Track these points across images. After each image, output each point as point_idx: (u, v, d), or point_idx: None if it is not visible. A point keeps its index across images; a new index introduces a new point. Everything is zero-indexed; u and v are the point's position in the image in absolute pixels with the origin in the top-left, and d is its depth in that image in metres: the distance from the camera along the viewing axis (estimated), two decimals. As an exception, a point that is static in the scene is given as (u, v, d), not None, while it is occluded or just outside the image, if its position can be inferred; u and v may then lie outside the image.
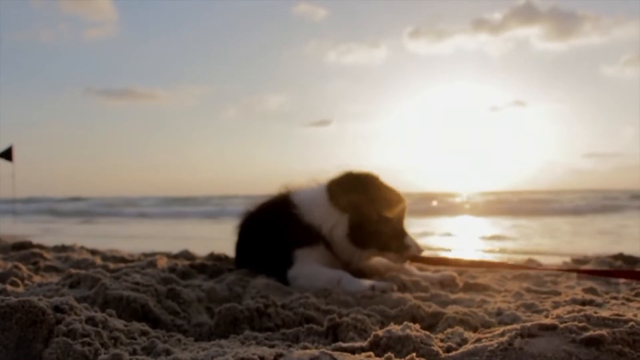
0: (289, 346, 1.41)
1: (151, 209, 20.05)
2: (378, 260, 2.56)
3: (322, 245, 2.40)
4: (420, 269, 2.71)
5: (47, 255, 3.06)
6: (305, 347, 1.37)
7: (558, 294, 2.14)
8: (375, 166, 2.50)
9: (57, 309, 1.34)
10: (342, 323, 1.49)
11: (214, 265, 2.74)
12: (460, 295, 2.13)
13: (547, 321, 1.18)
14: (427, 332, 1.28)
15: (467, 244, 6.70)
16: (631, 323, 1.13)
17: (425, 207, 16.23)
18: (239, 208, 2.93)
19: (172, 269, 2.47)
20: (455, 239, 7.56)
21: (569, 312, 1.33)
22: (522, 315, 1.69)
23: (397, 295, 2.03)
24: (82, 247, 3.80)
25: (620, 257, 3.22)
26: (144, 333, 1.45)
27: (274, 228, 2.51)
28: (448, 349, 1.24)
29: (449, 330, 1.44)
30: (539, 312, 1.77)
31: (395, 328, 1.27)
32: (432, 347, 1.19)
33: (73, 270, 2.11)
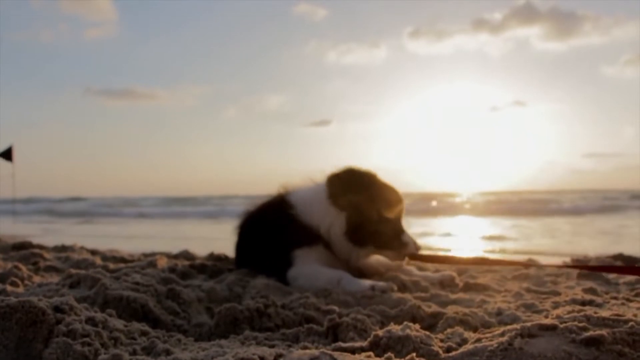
0: (289, 346, 1.41)
1: (151, 209, 20.05)
2: (378, 260, 2.56)
3: (321, 245, 2.40)
4: (420, 269, 2.71)
5: (47, 255, 3.06)
6: (305, 347, 1.37)
7: (558, 294, 2.14)
8: (375, 166, 2.51)
9: (57, 309, 1.34)
10: (342, 323, 1.49)
11: (214, 266, 2.74)
12: (460, 295, 2.13)
13: (547, 321, 1.18)
14: (427, 332, 1.28)
15: (467, 244, 6.70)
16: (631, 323, 1.13)
17: (425, 207, 16.24)
18: (239, 208, 2.93)
19: (172, 269, 2.47)
20: (455, 239, 7.56)
21: (569, 312, 1.33)
22: (522, 315, 1.69)
23: (397, 295, 2.03)
24: (82, 247, 3.80)
25: (620, 257, 3.22)
26: (144, 333, 1.45)
27: (272, 229, 2.51)
28: (448, 349, 1.24)
29: (449, 330, 1.44)
30: (539, 312, 1.77)
31: (395, 328, 1.27)
32: (432, 347, 1.19)
33: (73, 271, 2.11)
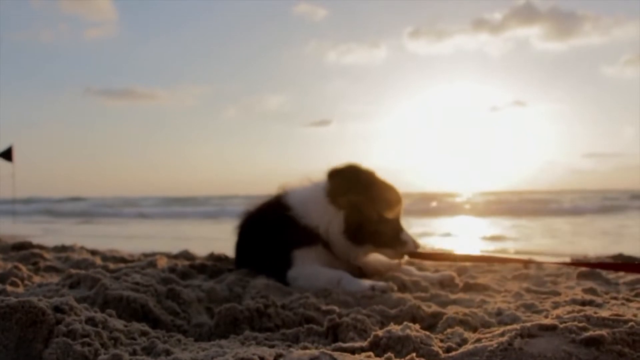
0: (289, 346, 1.41)
1: (151, 209, 20.05)
2: (377, 260, 2.56)
3: (321, 245, 2.40)
4: (420, 269, 2.71)
5: (47, 255, 3.06)
6: (305, 347, 1.37)
7: (558, 294, 2.14)
8: (375, 166, 2.50)
9: (57, 309, 1.34)
10: (342, 323, 1.48)
11: (214, 266, 2.74)
12: (460, 295, 2.13)
13: (547, 321, 1.18)
14: (427, 332, 1.28)
15: (468, 244, 6.70)
16: (631, 323, 1.13)
17: (425, 207, 16.23)
18: (239, 208, 2.93)
19: (172, 269, 2.47)
20: (456, 239, 7.56)
21: (568, 312, 1.33)
22: (522, 315, 1.69)
23: (397, 295, 2.03)
24: (82, 248, 3.80)
25: (620, 257, 3.22)
26: (144, 333, 1.45)
27: (271, 229, 2.51)
28: (448, 349, 1.24)
29: (449, 330, 1.44)
30: (539, 312, 1.77)
31: (395, 328, 1.27)
32: (432, 347, 1.19)
33: (73, 271, 2.10)
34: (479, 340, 1.21)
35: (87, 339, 1.25)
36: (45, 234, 8.85)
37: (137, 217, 16.24)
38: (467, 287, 2.37)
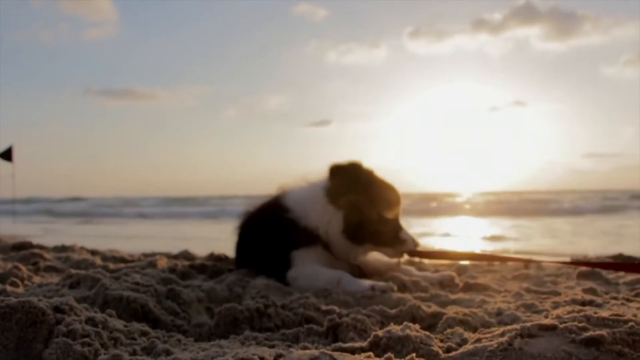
0: (289, 346, 1.41)
1: (151, 209, 20.05)
2: (378, 260, 2.56)
3: (320, 245, 2.40)
4: (420, 269, 2.71)
5: (47, 255, 3.06)
6: (305, 348, 1.37)
7: (558, 294, 2.14)
8: (375, 166, 2.50)
9: (57, 309, 1.34)
10: (342, 323, 1.48)
11: (213, 266, 2.74)
12: (460, 295, 2.13)
13: (547, 321, 1.18)
14: (427, 333, 1.28)
15: (468, 244, 6.70)
16: (631, 323, 1.13)
17: (425, 207, 16.23)
18: (239, 208, 2.93)
19: (172, 270, 2.47)
20: (456, 239, 7.56)
21: (568, 313, 1.33)
22: (522, 315, 1.69)
23: (397, 295, 2.03)
24: (82, 248, 3.80)
25: (620, 257, 3.22)
26: (143, 333, 1.45)
27: (271, 230, 2.51)
28: (448, 349, 1.24)
29: (449, 330, 1.45)
30: (538, 312, 1.77)
31: (395, 328, 1.27)
32: (432, 348, 1.19)
33: (73, 271, 2.11)
34: (479, 340, 1.21)
35: (87, 339, 1.25)
36: (45, 234, 8.85)
37: (137, 217, 16.24)
38: (467, 287, 2.37)
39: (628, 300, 1.92)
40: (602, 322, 1.17)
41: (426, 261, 3.02)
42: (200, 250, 3.62)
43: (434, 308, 1.79)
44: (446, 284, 2.42)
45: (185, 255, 3.40)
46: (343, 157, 2.46)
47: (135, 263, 2.72)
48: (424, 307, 1.76)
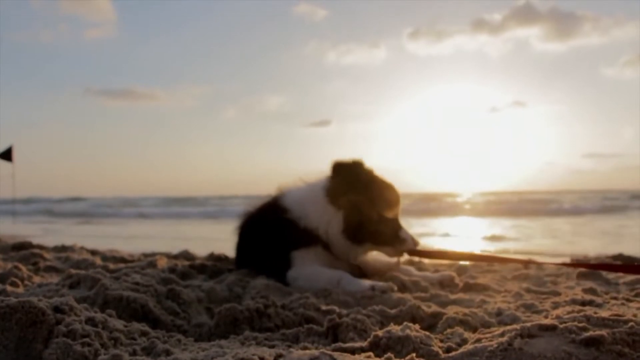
0: (289, 346, 1.41)
1: (151, 209, 20.05)
2: (377, 260, 2.56)
3: (320, 245, 2.40)
4: (420, 269, 2.71)
5: (47, 255, 3.06)
6: (305, 348, 1.37)
7: (558, 294, 2.14)
8: (375, 166, 2.50)
9: (57, 309, 1.34)
10: (342, 323, 1.48)
11: (213, 266, 2.74)
12: (460, 295, 2.13)
13: (547, 321, 1.18)
14: (427, 333, 1.28)
15: (468, 245, 6.70)
16: (631, 323, 1.13)
17: (425, 207, 16.23)
18: (239, 208, 2.93)
19: (172, 270, 2.47)
20: (456, 239, 7.56)
21: (568, 313, 1.33)
22: (521, 315, 1.69)
23: (397, 295, 2.03)
24: (82, 248, 3.80)
25: (620, 257, 3.22)
26: (143, 333, 1.45)
27: (271, 231, 2.51)
28: (448, 349, 1.24)
29: (448, 330, 1.45)
30: (538, 312, 1.77)
31: (395, 328, 1.27)
32: (432, 348, 1.19)
33: (73, 271, 2.11)
34: (479, 340, 1.22)
35: (87, 339, 1.25)
36: (45, 234, 8.85)
37: (137, 217, 16.24)
38: (467, 287, 2.37)
39: (628, 300, 1.92)
40: (602, 322, 1.17)
41: (426, 261, 3.02)
42: (200, 250, 3.63)
43: (434, 308, 1.79)
44: (446, 284, 2.42)
45: (185, 255, 3.40)
46: (344, 157, 2.46)
47: (135, 263, 2.72)
48: (424, 307, 1.76)
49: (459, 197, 25.19)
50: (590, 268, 2.49)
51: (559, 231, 8.34)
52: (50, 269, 2.69)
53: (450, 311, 1.68)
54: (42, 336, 1.24)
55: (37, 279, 2.33)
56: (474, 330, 1.49)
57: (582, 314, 1.23)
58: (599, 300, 1.89)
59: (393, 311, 1.75)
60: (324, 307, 1.78)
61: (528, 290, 2.25)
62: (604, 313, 1.23)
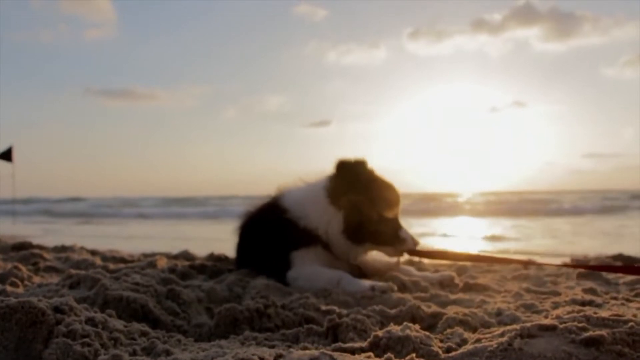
0: (289, 347, 1.41)
1: (151, 209, 20.05)
2: (377, 260, 2.56)
3: (320, 245, 2.40)
4: (420, 269, 2.71)
5: (47, 255, 3.06)
6: (305, 348, 1.37)
7: (558, 294, 2.14)
8: (375, 166, 2.50)
9: (56, 309, 1.34)
10: (342, 323, 1.48)
11: (213, 266, 2.74)
12: (460, 295, 2.13)
13: (547, 321, 1.18)
14: (427, 333, 1.28)
15: (468, 245, 6.70)
16: (631, 323, 1.13)
17: (425, 207, 16.23)
18: (239, 208, 2.93)
19: (172, 270, 2.47)
20: (455, 239, 7.56)
21: (568, 313, 1.33)
22: (521, 315, 1.69)
23: (397, 295, 2.03)
24: (82, 248, 3.80)
25: (620, 257, 3.22)
26: (143, 334, 1.45)
27: (271, 231, 2.51)
28: (448, 350, 1.24)
29: (448, 330, 1.45)
30: (538, 312, 1.77)
31: (395, 328, 1.27)
32: (432, 348, 1.19)
33: (73, 271, 2.11)
34: (478, 340, 1.22)
35: (87, 340, 1.25)
36: (45, 234, 8.85)
37: (136, 217, 16.24)
38: (467, 287, 2.37)
39: (628, 300, 1.92)
40: (602, 322, 1.17)
41: (426, 261, 3.02)
42: (200, 250, 3.63)
43: (434, 308, 1.79)
44: (446, 284, 2.42)
45: (185, 255, 3.40)
46: (347, 156, 2.46)
47: (135, 263, 2.72)
48: (424, 307, 1.76)
49: (459, 197, 25.19)
50: (590, 269, 2.49)
51: (559, 231, 8.33)
52: (50, 269, 2.69)
53: (450, 311, 1.68)
54: (42, 336, 1.24)
55: (37, 279, 2.33)
56: (474, 330, 1.49)
57: (582, 314, 1.23)
58: (599, 300, 1.89)
59: (393, 311, 1.75)
60: (324, 307, 1.78)
61: (528, 291, 2.25)
62: (604, 313, 1.23)
